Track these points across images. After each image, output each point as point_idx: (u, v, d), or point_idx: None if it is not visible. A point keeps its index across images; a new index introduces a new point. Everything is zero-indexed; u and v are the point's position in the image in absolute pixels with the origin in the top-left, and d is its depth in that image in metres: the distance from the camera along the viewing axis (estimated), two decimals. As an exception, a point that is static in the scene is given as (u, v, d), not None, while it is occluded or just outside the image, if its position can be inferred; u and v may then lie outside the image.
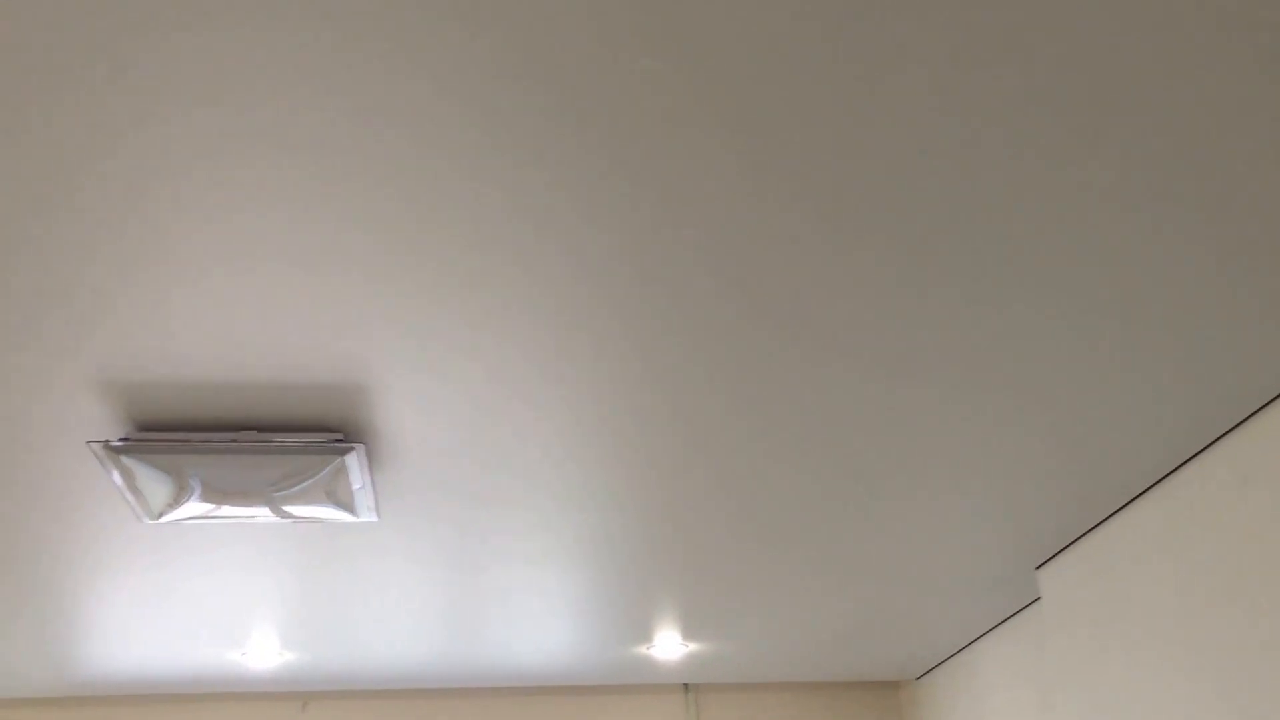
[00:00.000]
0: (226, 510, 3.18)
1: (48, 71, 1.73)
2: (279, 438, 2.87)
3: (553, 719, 5.63)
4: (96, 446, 2.89)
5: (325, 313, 2.39)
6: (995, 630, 4.82)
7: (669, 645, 4.98)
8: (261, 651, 4.79)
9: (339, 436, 2.90)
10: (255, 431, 2.87)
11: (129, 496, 3.08)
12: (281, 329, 2.44)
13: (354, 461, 2.94)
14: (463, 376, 2.67)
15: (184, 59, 1.72)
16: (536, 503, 3.38)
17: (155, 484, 3.05)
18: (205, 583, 3.95)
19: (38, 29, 1.65)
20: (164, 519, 3.26)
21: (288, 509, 3.17)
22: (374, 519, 3.33)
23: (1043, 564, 4.04)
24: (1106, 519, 3.63)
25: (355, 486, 3.06)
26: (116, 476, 2.99)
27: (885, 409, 2.87)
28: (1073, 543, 3.83)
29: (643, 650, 5.06)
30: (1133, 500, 3.48)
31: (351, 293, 2.32)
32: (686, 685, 5.73)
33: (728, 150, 1.94)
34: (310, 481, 3.04)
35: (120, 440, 2.86)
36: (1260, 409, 2.93)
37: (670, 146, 1.93)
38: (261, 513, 3.17)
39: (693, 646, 5.00)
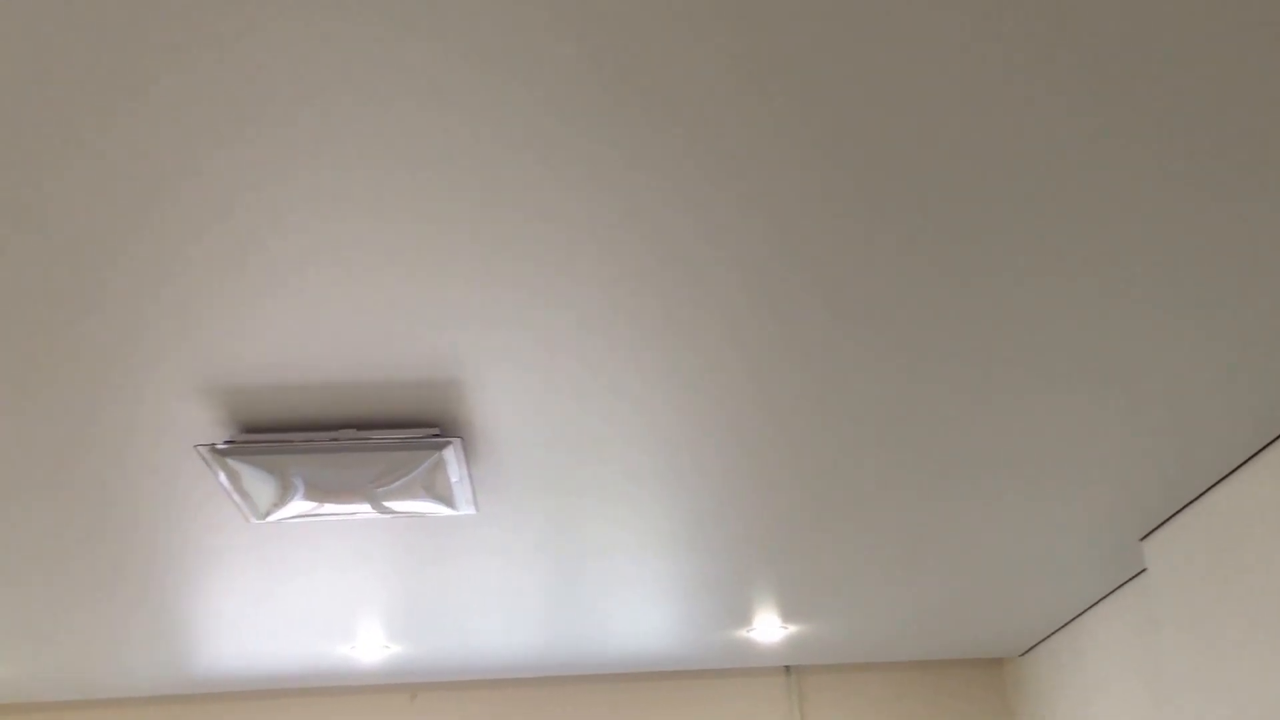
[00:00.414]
0: (329, 508, 3.25)
1: (143, 77, 1.78)
2: (377, 435, 2.93)
3: (655, 704, 5.66)
4: (203, 450, 2.97)
5: (421, 311, 2.43)
6: (1100, 604, 4.74)
7: (769, 628, 4.98)
8: (369, 645, 4.89)
9: (436, 431, 2.94)
10: (354, 430, 2.93)
11: (235, 498, 3.16)
12: (378, 327, 2.48)
13: (451, 455, 2.98)
14: (557, 369, 2.69)
15: (281, 64, 1.75)
16: (632, 491, 3.40)
17: (260, 484, 3.13)
18: (311, 579, 4.04)
19: (131, 32, 1.70)
20: (269, 519, 3.34)
21: (388, 505, 3.23)
22: (472, 511, 3.38)
23: (1148, 535, 3.96)
24: (1214, 485, 3.54)
25: (453, 480, 3.11)
26: (223, 478, 3.07)
27: (982, 389, 2.83)
28: (1179, 511, 3.75)
29: (743, 633, 5.06)
30: (1242, 464, 3.39)
31: (446, 290, 2.35)
32: (788, 668, 5.72)
33: (815, 153, 1.93)
34: (409, 477, 3.09)
35: (225, 443, 2.93)
36: (1372, 367, 2.84)
37: (755, 146, 1.93)
38: (363, 509, 3.23)
39: (793, 628, 4.99)
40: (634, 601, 4.49)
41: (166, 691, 5.49)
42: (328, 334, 2.50)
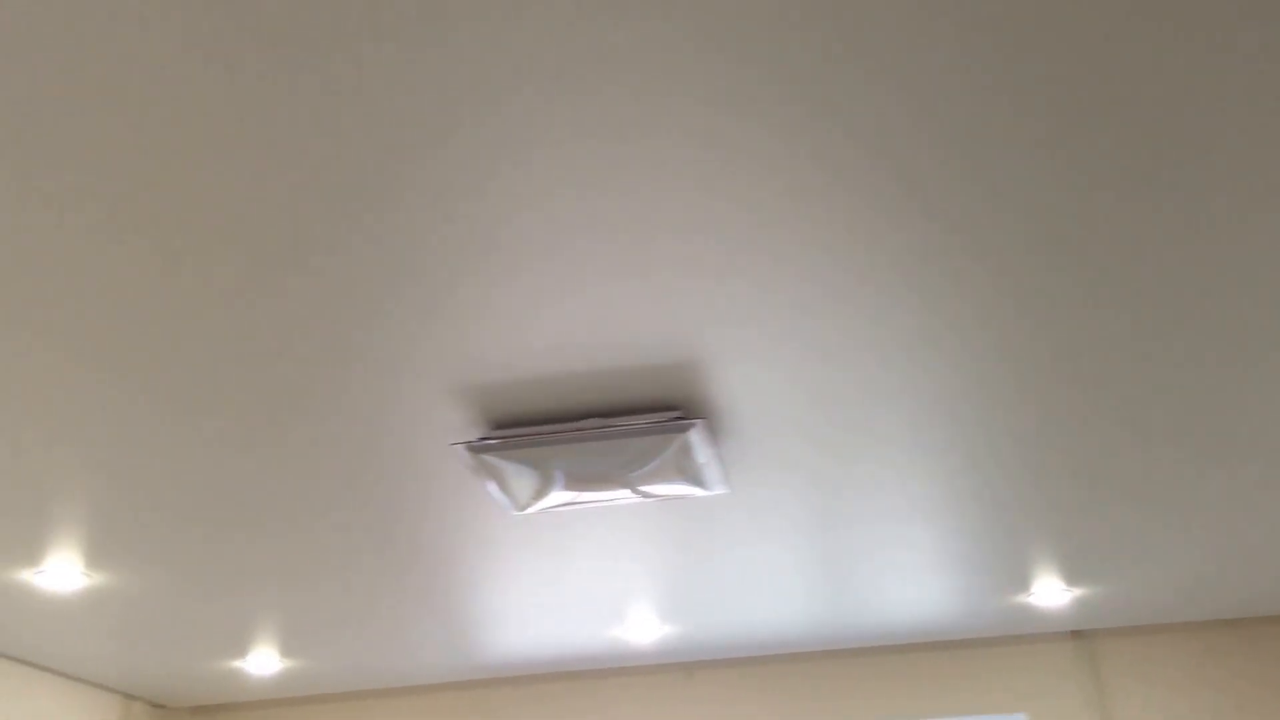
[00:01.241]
0: (588, 496, 3.30)
1: (379, 59, 1.82)
2: (621, 422, 2.94)
3: (933, 675, 5.49)
4: (460, 448, 3.06)
5: (661, 292, 2.41)
6: None
7: (1050, 591, 4.73)
8: (641, 626, 4.95)
9: (679, 414, 2.93)
10: (598, 418, 2.95)
11: (496, 492, 3.25)
12: (619, 313, 2.48)
13: (696, 437, 2.96)
14: (804, 338, 2.62)
15: (529, 43, 1.76)
16: (892, 456, 3.29)
17: (520, 478, 3.20)
18: (578, 566, 4.12)
19: (374, 8, 1.74)
20: (530, 510, 3.42)
21: (644, 489, 3.25)
22: (725, 491, 3.35)
23: None
24: None
25: (701, 461, 3.09)
26: (483, 475, 3.16)
27: (1246, 364, 2.58)
28: None
29: (1021, 599, 4.84)
30: None
31: (687, 270, 2.33)
32: (1075, 632, 5.43)
33: (1073, 140, 1.79)
34: (658, 461, 3.09)
35: (479, 440, 3.01)
36: None
37: (1009, 138, 1.80)
38: (622, 495, 3.26)
39: (1079, 591, 4.73)
40: (903, 570, 4.36)
41: (456, 678, 5.74)
42: (570, 324, 2.52)
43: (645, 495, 3.30)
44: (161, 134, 1.87)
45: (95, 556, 3.74)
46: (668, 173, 2.03)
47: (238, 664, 5.14)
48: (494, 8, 1.67)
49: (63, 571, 3.85)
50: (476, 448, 3.03)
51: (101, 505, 3.34)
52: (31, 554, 3.69)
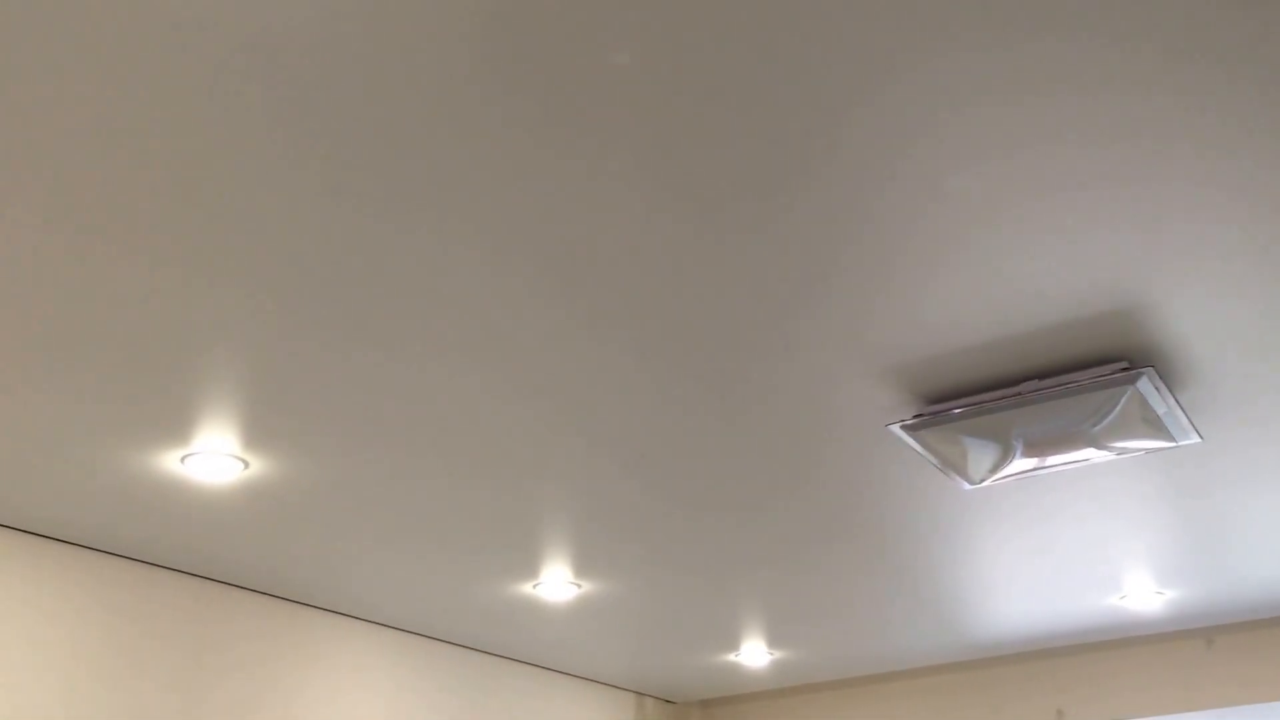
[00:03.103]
0: (1053, 460, 3.12)
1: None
2: (1062, 381, 2.75)
3: None
4: (896, 429, 3.00)
5: (1093, 244, 2.26)
6: None
7: None
8: (1141, 593, 4.61)
9: (1123, 365, 2.69)
10: (1035, 380, 2.78)
11: (944, 467, 3.16)
12: (1053, 265, 2.34)
13: (1147, 387, 2.71)
14: (1265, 256, 2.33)
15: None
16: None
17: (972, 450, 3.08)
18: (1060, 535, 3.90)
19: None
20: (985, 482, 3.29)
21: (1112, 444, 3.02)
22: (1197, 440, 3.04)
23: None
24: None
25: (1160, 411, 2.82)
26: (929, 452, 3.07)
27: None
28: None
29: None
30: None
31: (1125, 211, 2.16)
32: None
33: None
34: (1112, 416, 2.86)
35: (914, 418, 2.93)
36: None
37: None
38: (1087, 455, 3.06)
39: None
40: None
41: (948, 659, 5.62)
42: (1003, 284, 2.41)
43: (1114, 451, 3.06)
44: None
45: (581, 568, 4.04)
46: (1122, 125, 1.88)
47: (732, 657, 5.34)
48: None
49: (556, 582, 4.18)
50: (913, 425, 2.96)
51: (584, 524, 3.61)
52: (531, 569, 4.05)
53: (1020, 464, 3.18)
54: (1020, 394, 2.80)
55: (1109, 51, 1.77)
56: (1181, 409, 2.90)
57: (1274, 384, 2.86)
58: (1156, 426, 2.92)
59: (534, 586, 4.22)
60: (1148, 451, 3.14)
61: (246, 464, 3.09)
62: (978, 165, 2.03)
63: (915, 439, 3.02)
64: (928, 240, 2.25)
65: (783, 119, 1.90)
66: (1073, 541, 3.97)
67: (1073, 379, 2.74)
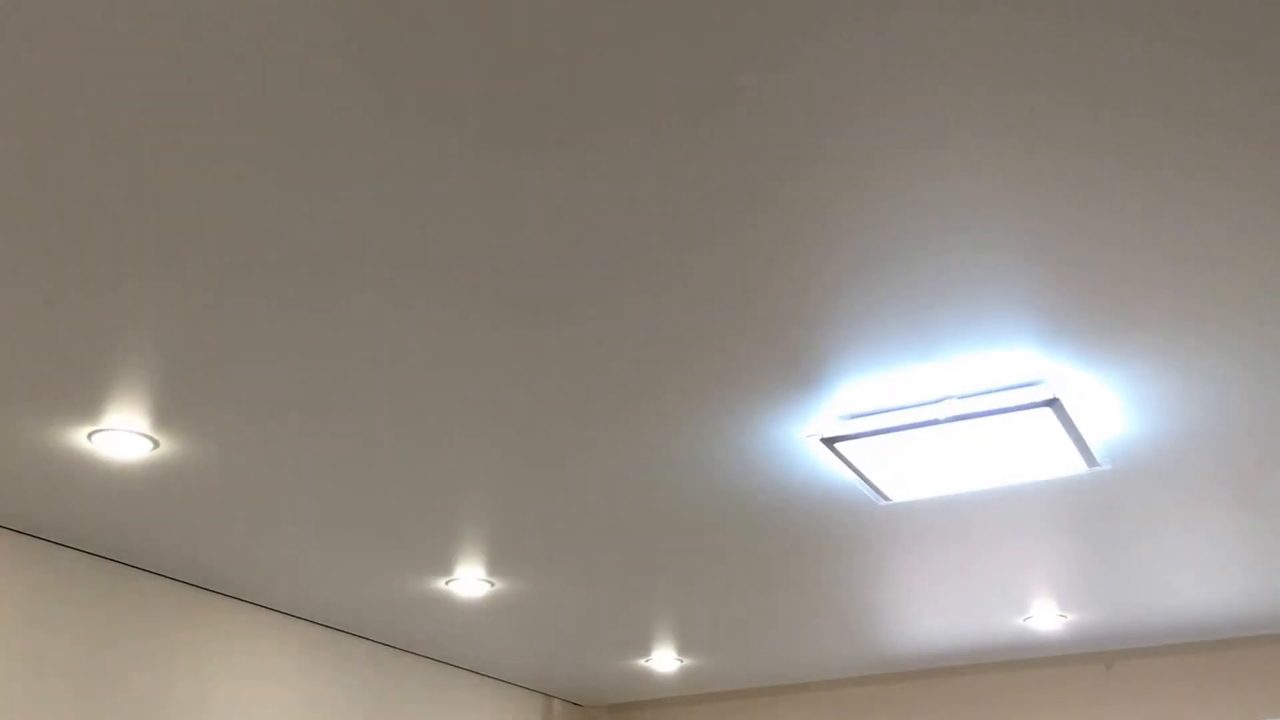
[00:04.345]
0: (967, 481, 3.17)
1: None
2: (982, 401, 2.79)
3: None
4: (815, 441, 3.02)
5: (1010, 278, 2.28)
6: None
7: None
8: (1046, 614, 4.69)
9: (1040, 390, 2.74)
10: (955, 400, 2.82)
11: (861, 483, 3.20)
12: (970, 299, 2.37)
13: (1062, 413, 2.77)
14: (1172, 301, 2.39)
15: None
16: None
17: (895, 468, 3.11)
18: (971, 556, 3.96)
19: None
20: (901, 500, 3.34)
21: (1025, 468, 3.08)
22: (1105, 467, 3.11)
23: None
24: None
25: (1072, 438, 2.89)
26: (844, 466, 3.11)
27: None
28: None
29: None
30: None
31: (1033, 251, 2.19)
32: None
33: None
34: (1026, 440, 2.92)
35: (834, 433, 2.96)
36: None
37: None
38: (1003, 477, 3.13)
39: None
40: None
41: (857, 673, 5.68)
42: (927, 305, 2.42)
43: (1027, 474, 3.13)
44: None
45: (495, 565, 4.01)
46: (1028, 166, 1.90)
47: (642, 662, 5.34)
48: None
49: (470, 579, 4.15)
50: (832, 439, 2.98)
51: (499, 521, 3.58)
52: (444, 565, 4.01)
53: (936, 483, 3.22)
54: (939, 413, 2.84)
55: (1020, 95, 1.81)
56: (1091, 437, 2.96)
57: (1180, 415, 2.93)
58: (1068, 452, 2.98)
59: (447, 583, 4.19)
60: (1059, 476, 3.21)
61: (156, 443, 3.03)
62: (908, 194, 2.06)
63: (834, 453, 3.05)
64: (855, 257, 2.27)
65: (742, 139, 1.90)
66: (983, 562, 4.03)
67: (991, 401, 2.78)
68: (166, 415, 2.89)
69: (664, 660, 5.31)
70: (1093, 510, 3.56)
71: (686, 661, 5.35)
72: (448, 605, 4.45)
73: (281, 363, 2.65)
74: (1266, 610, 4.66)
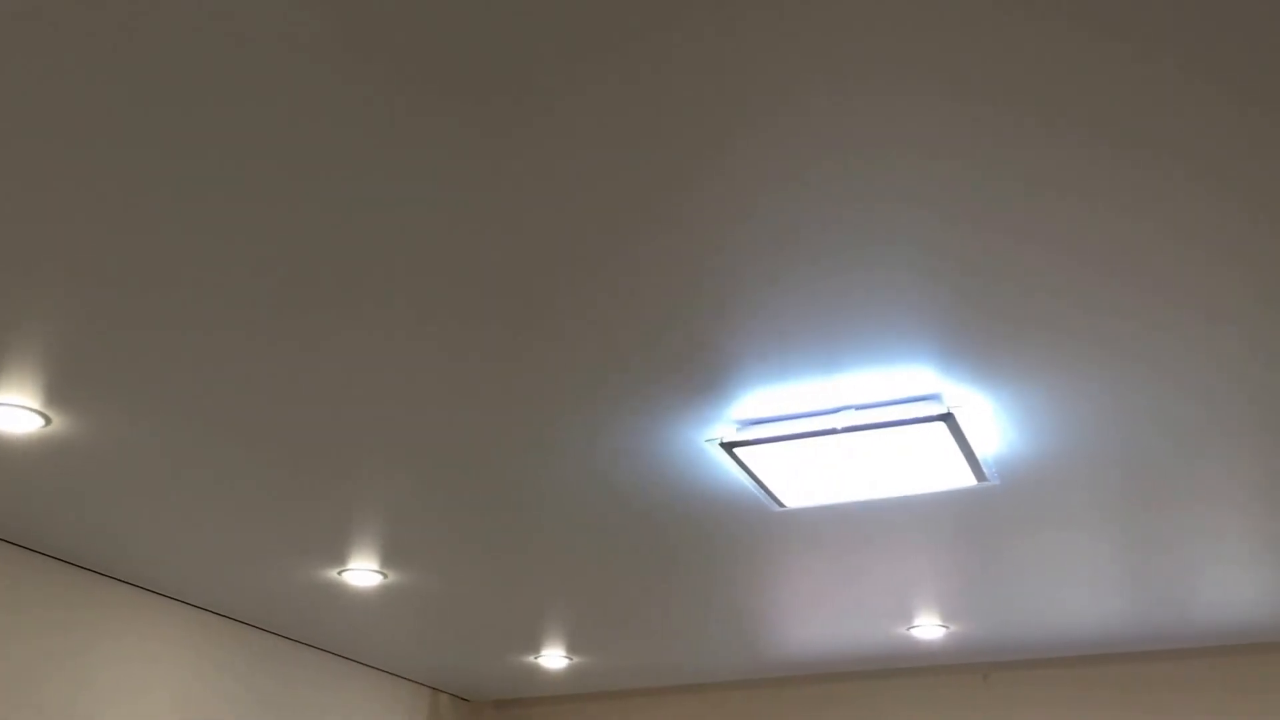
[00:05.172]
0: (860, 491, 3.24)
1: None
2: (879, 412, 2.86)
3: (1263, 681, 5.04)
4: (715, 445, 3.07)
5: (907, 295, 2.35)
6: None
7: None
8: (929, 625, 4.81)
9: (935, 404, 2.82)
10: (853, 410, 2.89)
11: (756, 488, 3.25)
12: (869, 313, 2.43)
13: (955, 427, 2.85)
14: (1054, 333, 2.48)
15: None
16: (1195, 440, 3.06)
17: (790, 474, 3.17)
18: (859, 565, 4.05)
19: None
20: (795, 507, 3.40)
21: (917, 480, 3.16)
22: (994, 482, 3.21)
23: None
24: None
25: (963, 452, 2.98)
26: (740, 471, 3.16)
27: None
28: None
29: (1355, 597, 4.38)
30: None
31: (932, 272, 2.26)
32: None
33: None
34: (919, 451, 3.00)
35: (732, 437, 3.01)
36: None
37: None
38: (895, 488, 3.21)
39: None
40: (1220, 562, 4.04)
41: (744, 677, 5.77)
42: (826, 317, 2.48)
43: (919, 486, 3.21)
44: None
45: (389, 557, 3.99)
46: (929, 189, 1.96)
47: (531, 659, 5.35)
48: (689, -1, 1.66)
49: (362, 570, 4.12)
50: (730, 444, 3.03)
51: (394, 513, 3.57)
52: (337, 554, 3.98)
53: (830, 492, 3.30)
54: (837, 423, 2.90)
55: (923, 121, 1.87)
56: (981, 452, 3.06)
57: (1062, 436, 3.04)
58: (959, 466, 3.07)
59: (340, 573, 4.16)
60: (949, 489, 3.30)
61: (48, 420, 2.96)
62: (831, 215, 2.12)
63: (733, 458, 3.10)
64: (761, 271, 2.31)
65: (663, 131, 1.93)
66: (872, 571, 4.13)
67: (888, 414, 2.85)
68: (59, 392, 2.83)
69: (553, 658, 5.33)
70: (978, 524, 3.67)
71: (575, 659, 5.37)
72: (340, 596, 4.42)
73: (178, 342, 2.61)
74: (1136, 627, 4.86)
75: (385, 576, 4.19)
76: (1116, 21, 1.69)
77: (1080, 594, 4.39)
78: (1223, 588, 4.32)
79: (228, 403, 2.89)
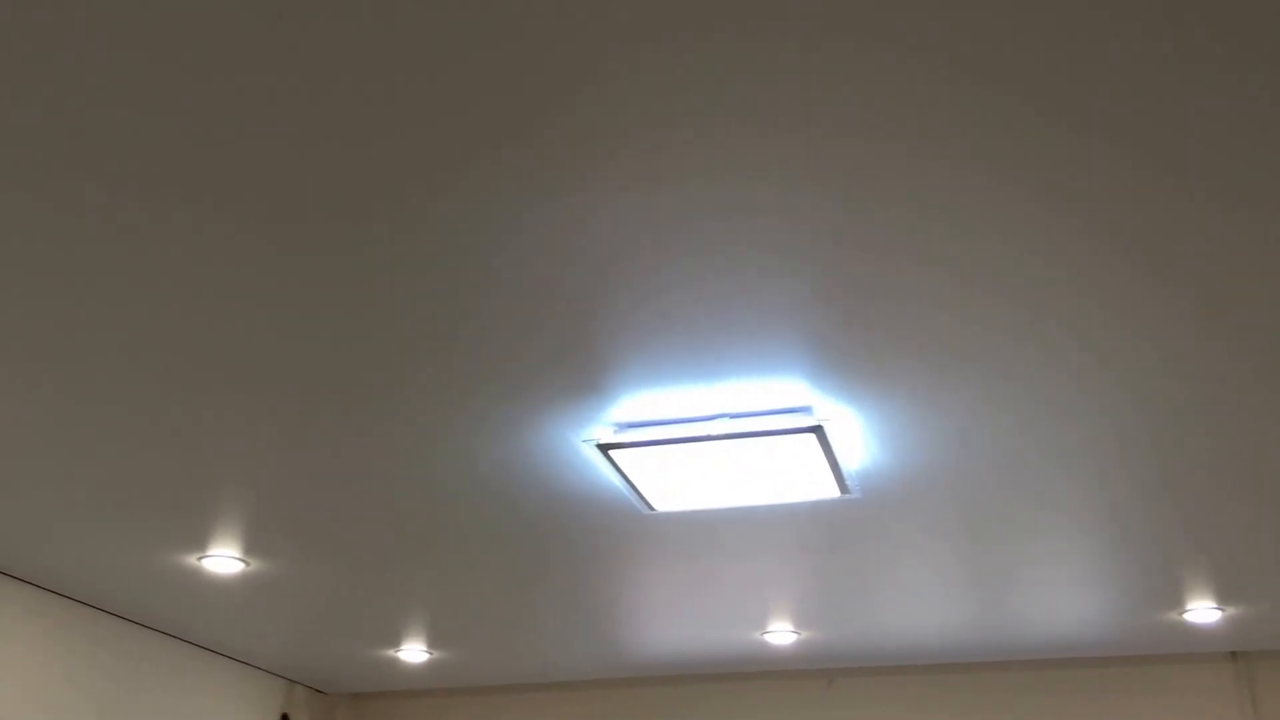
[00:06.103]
0: (728, 497, 3.34)
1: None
2: (753, 421, 2.96)
3: (1084, 692, 5.34)
4: (590, 446, 3.14)
5: (777, 313, 2.44)
6: None
7: (1204, 610, 4.55)
8: (781, 631, 4.96)
9: (806, 416, 2.94)
10: (728, 418, 2.99)
11: (629, 491, 3.32)
12: (742, 325, 2.52)
13: (824, 439, 2.97)
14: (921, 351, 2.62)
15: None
16: (1042, 474, 3.24)
17: (663, 478, 3.25)
18: (719, 570, 4.14)
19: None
20: (664, 511, 3.48)
21: (784, 488, 3.27)
22: (855, 495, 3.35)
23: None
24: None
25: (829, 463, 3.10)
26: (613, 473, 3.23)
27: None
28: None
29: (1174, 616, 4.67)
30: None
31: (796, 290, 2.36)
32: (1234, 653, 5.20)
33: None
34: (788, 461, 3.10)
35: (607, 439, 3.08)
36: None
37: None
38: (763, 495, 3.31)
39: (1233, 610, 4.54)
40: (1053, 583, 4.27)
41: (602, 676, 5.84)
42: (703, 327, 2.56)
43: (785, 494, 3.32)
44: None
45: (251, 544, 3.95)
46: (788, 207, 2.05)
47: (391, 653, 5.34)
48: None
49: (223, 556, 4.07)
50: (605, 446, 3.09)
51: (258, 499, 3.53)
52: (198, 539, 3.91)
53: (700, 497, 3.39)
54: (712, 429, 3.00)
55: (806, 144, 1.97)
56: (846, 465, 3.19)
57: (922, 453, 3.19)
58: (824, 478, 3.19)
59: (199, 559, 4.09)
60: (813, 499, 3.42)
61: (-91, 390, 2.87)
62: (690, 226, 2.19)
63: (608, 460, 3.17)
64: (642, 279, 2.37)
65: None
66: (732, 577, 4.24)
67: (761, 423, 2.96)
68: (-75, 360, 2.73)
69: (413, 652, 5.32)
70: (836, 535, 3.81)
71: (436, 654, 5.37)
72: (198, 582, 4.34)
73: (37, 310, 2.52)
74: (980, 639, 5.08)
75: (247, 564, 4.14)
76: (971, 57, 1.81)
77: (927, 605, 4.58)
78: (1052, 608, 4.57)
79: (88, 377, 2.82)
